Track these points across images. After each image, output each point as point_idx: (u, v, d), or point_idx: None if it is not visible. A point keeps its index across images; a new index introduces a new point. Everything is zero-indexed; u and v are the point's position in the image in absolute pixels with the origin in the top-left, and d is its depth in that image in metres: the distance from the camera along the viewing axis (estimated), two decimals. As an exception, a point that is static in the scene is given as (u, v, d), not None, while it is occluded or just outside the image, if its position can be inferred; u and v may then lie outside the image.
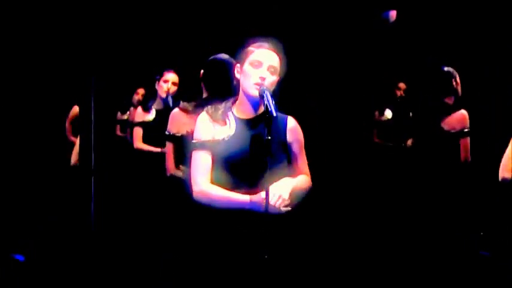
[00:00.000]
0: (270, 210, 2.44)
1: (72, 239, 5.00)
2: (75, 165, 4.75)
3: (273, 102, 2.48)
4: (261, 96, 2.54)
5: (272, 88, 2.59)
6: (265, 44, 2.63)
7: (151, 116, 4.97)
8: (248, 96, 2.63)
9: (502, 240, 4.19)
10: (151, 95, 5.15)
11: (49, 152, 6.35)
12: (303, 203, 2.66)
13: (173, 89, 4.85)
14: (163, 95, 4.85)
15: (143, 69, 6.46)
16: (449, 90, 4.68)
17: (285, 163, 2.67)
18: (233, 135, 2.62)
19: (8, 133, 6.01)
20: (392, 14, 6.55)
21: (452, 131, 4.58)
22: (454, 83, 4.69)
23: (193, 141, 2.67)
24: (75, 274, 4.48)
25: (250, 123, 2.64)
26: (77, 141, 5.02)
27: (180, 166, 3.86)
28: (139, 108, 5.10)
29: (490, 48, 5.76)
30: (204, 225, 2.63)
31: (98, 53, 5.06)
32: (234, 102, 2.71)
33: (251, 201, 2.51)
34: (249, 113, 2.66)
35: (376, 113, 6.41)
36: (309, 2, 6.39)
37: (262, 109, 2.61)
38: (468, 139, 4.56)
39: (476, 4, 5.85)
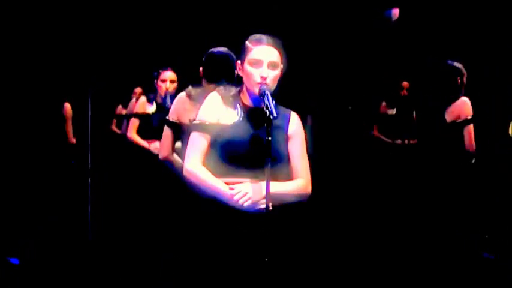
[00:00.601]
0: (234, 204, 2.47)
1: (69, 240, 4.99)
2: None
3: (274, 102, 2.46)
4: (261, 96, 2.51)
5: (276, 82, 2.59)
6: (263, 40, 2.60)
7: (152, 109, 4.91)
8: (252, 93, 2.62)
9: (506, 242, 4.16)
10: (150, 93, 5.10)
11: (47, 152, 6.30)
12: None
13: (172, 86, 4.80)
14: (163, 95, 4.82)
15: (139, 67, 6.44)
16: (456, 87, 4.57)
17: (287, 161, 2.63)
18: (239, 121, 2.61)
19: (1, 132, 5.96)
20: (395, 12, 6.51)
21: (458, 120, 4.47)
22: (463, 80, 4.58)
23: (195, 122, 2.66)
24: (74, 274, 4.47)
25: (255, 113, 2.61)
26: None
27: (174, 154, 3.79)
28: (143, 97, 5.01)
29: (494, 44, 5.72)
30: (202, 224, 2.61)
31: (95, 52, 5.02)
32: (240, 91, 2.69)
33: (230, 195, 2.49)
34: (253, 104, 2.65)
35: (383, 104, 6.33)
36: (312, 1, 6.36)
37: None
38: (471, 126, 4.43)
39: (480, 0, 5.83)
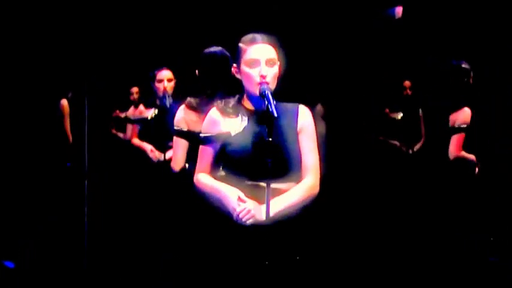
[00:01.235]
0: (236, 219, 2.42)
1: (67, 240, 4.96)
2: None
3: (274, 102, 2.41)
4: (262, 96, 2.46)
5: (276, 80, 2.55)
6: (257, 38, 2.54)
7: (151, 113, 4.92)
8: (253, 95, 2.56)
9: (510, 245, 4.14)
10: (147, 93, 5.09)
11: (45, 152, 6.27)
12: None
13: (170, 85, 4.77)
14: (160, 95, 4.77)
15: (136, 67, 6.42)
16: (463, 88, 4.52)
17: (299, 157, 2.57)
18: (245, 127, 2.56)
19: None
20: (398, 11, 6.49)
21: (456, 126, 4.45)
22: (469, 80, 4.54)
23: (201, 135, 2.65)
24: (73, 275, 4.46)
25: (259, 115, 2.56)
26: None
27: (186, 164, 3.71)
28: (141, 106, 5.07)
29: (495, 44, 5.69)
30: (204, 226, 2.64)
31: (91, 52, 5.01)
32: (242, 96, 2.63)
33: (232, 208, 2.44)
34: (257, 107, 2.60)
35: (387, 110, 6.32)
36: (312, 1, 6.34)
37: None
38: (462, 135, 4.40)
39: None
